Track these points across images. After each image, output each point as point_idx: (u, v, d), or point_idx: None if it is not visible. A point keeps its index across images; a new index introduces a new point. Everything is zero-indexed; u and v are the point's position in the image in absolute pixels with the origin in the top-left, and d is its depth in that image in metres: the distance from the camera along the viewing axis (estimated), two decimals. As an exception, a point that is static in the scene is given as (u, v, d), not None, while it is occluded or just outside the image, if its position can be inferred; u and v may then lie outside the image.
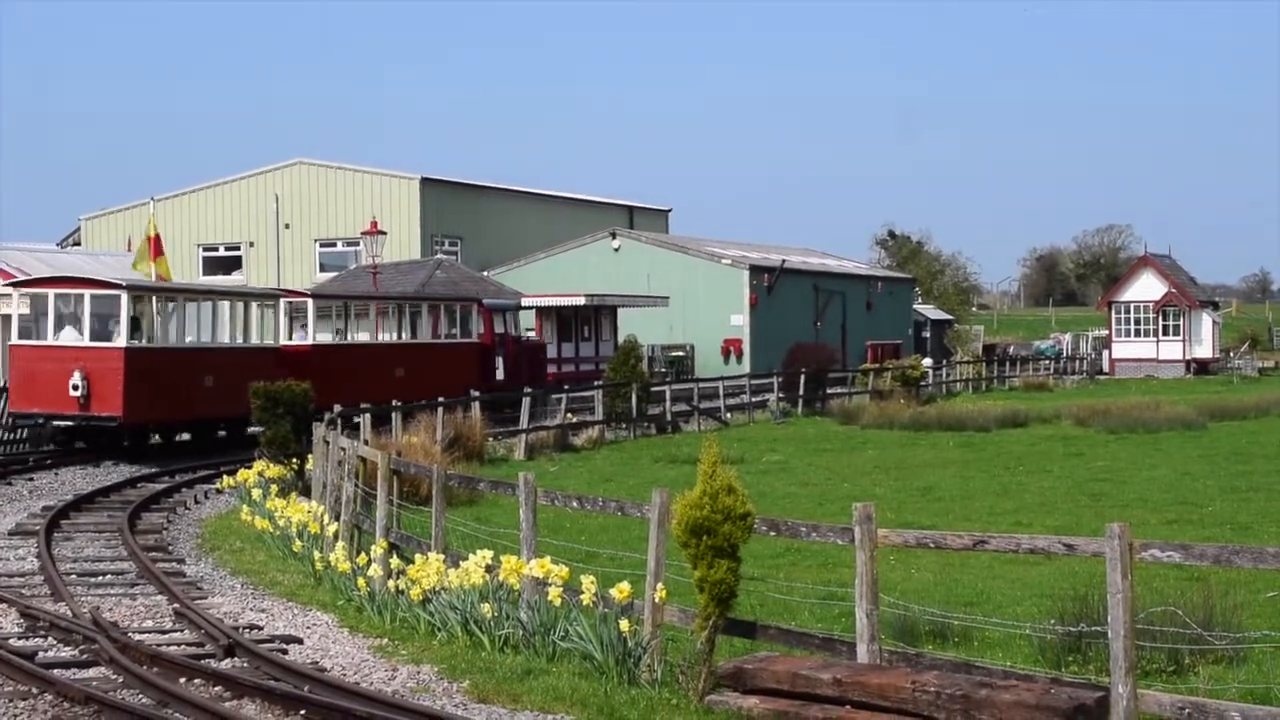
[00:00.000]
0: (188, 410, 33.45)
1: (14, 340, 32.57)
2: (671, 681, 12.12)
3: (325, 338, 38.75)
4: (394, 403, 32.21)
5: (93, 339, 31.46)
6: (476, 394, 38.86)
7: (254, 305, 35.84)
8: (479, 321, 44.39)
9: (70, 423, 31.59)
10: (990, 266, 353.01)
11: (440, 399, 34.40)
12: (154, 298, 32.80)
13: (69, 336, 31.72)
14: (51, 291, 32.01)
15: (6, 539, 21.62)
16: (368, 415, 30.69)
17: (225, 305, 35.21)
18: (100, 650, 13.54)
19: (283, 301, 37.30)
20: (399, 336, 41.42)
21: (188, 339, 33.77)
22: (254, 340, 35.36)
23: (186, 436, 35.03)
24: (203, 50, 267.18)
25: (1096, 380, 73.99)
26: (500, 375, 44.41)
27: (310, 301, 38.60)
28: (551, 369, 49.60)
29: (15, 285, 33.59)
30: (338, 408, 28.32)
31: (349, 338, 39.47)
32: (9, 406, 32.42)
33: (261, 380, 29.35)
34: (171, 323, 33.36)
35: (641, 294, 58.28)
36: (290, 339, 37.24)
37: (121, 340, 31.22)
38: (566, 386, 42.04)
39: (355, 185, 64.33)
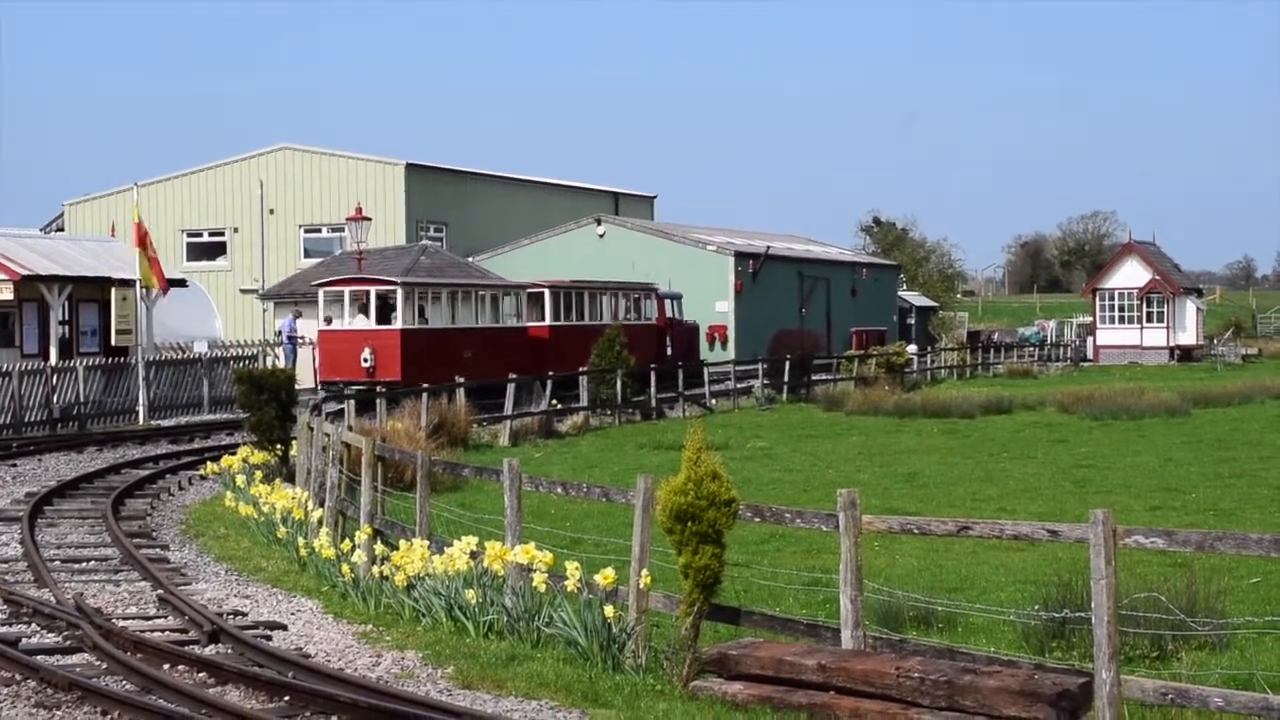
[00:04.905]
0: (453, 377, 38.35)
1: (320, 327, 41.93)
2: (656, 668, 12.13)
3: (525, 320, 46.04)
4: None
5: (377, 323, 39.97)
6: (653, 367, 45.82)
7: (504, 295, 44.85)
8: (653, 307, 51.94)
9: (362, 387, 38.47)
10: (975, 253, 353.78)
11: (621, 365, 41.92)
12: (420, 290, 41.55)
13: (360, 322, 40.33)
14: (346, 289, 41.09)
15: (-11, 525, 21.57)
16: (352, 401, 30.79)
17: (486, 295, 43.92)
18: (84, 636, 13.52)
19: (524, 292, 45.87)
20: (601, 319, 48.34)
21: (459, 322, 42.46)
22: (507, 322, 44.58)
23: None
24: (185, 35, 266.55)
25: (1081, 367, 74.04)
26: (669, 352, 51.62)
27: (546, 291, 46.40)
28: None
29: (318, 286, 42.93)
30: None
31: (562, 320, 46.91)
32: (320, 376, 41.48)
33: (515, 354, 41.32)
34: (443, 309, 41.80)
35: (626, 280, 58.16)
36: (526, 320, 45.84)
37: (399, 323, 39.68)
38: (551, 373, 42.31)
39: (340, 171, 64.06)
